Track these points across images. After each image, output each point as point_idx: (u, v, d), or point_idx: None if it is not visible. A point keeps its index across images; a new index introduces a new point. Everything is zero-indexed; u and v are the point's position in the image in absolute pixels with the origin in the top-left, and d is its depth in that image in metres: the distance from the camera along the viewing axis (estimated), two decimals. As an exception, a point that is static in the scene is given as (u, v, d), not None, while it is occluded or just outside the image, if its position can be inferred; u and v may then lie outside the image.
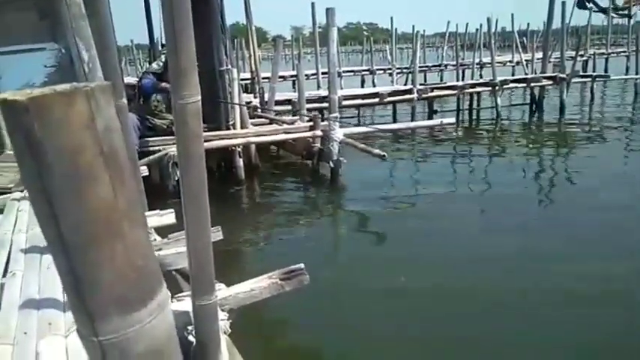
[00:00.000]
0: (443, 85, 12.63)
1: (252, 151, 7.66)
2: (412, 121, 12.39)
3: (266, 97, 10.31)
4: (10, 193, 4.07)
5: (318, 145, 7.40)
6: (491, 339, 3.33)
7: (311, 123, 7.55)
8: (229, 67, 7.14)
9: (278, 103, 10.55)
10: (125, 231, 0.54)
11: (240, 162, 7.07)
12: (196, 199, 1.78)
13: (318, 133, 7.09)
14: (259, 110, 10.14)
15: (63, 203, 0.50)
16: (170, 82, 1.70)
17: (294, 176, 7.75)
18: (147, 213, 3.37)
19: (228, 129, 7.29)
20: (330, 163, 6.91)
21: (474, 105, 14.06)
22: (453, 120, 7.94)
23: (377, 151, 6.13)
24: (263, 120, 9.33)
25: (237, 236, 5.41)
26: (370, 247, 5.08)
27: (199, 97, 1.70)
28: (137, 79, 7.23)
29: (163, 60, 6.86)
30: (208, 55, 7.08)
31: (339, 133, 6.83)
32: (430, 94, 11.95)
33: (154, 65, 7.17)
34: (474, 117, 13.81)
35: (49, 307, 2.05)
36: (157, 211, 3.44)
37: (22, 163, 0.50)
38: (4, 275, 2.43)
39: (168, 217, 3.41)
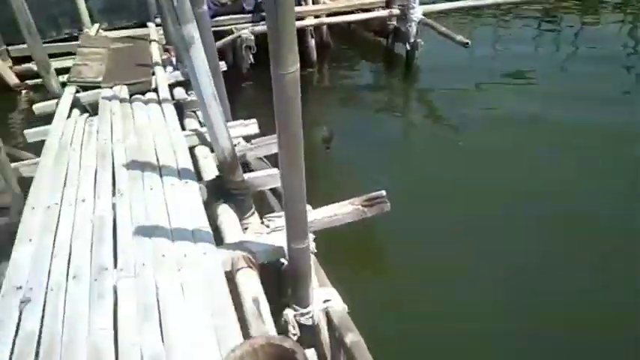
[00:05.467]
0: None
1: (324, 28, 7.31)
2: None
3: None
4: (99, 87, 4.22)
5: (394, 22, 6.93)
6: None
7: (388, -4, 6.99)
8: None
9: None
10: None
11: (312, 42, 6.83)
12: (293, 166, 1.83)
13: (395, 11, 6.59)
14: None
15: None
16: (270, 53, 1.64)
17: (367, 56, 7.43)
18: (232, 123, 3.46)
19: (300, 4, 6.92)
20: (407, 45, 6.53)
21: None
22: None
23: (460, 37, 5.67)
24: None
25: (308, 126, 5.47)
26: (443, 140, 5.01)
27: (298, 66, 1.65)
28: None
29: None
30: None
31: (418, 12, 6.33)
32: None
33: None
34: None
35: (159, 235, 2.27)
36: (241, 121, 3.52)
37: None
38: (114, 193, 2.65)
39: (252, 127, 3.49)
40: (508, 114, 5.30)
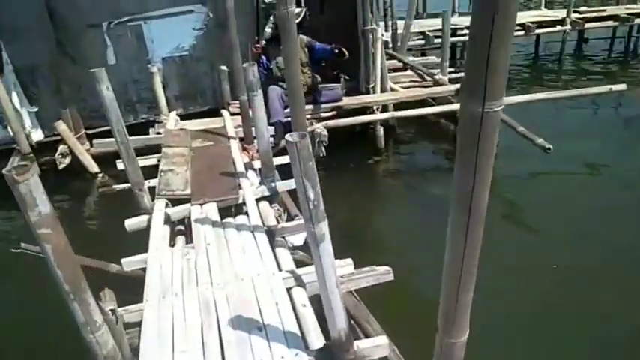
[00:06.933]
0: (602, 14, 10.78)
1: (390, 109, 7.31)
2: (560, 54, 11.10)
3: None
4: (189, 202, 4.28)
5: (463, 111, 6.88)
6: None
7: (457, 85, 6.98)
8: (374, 26, 6.62)
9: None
10: None
11: (381, 131, 6.83)
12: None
13: (468, 105, 6.55)
14: (390, 48, 9.56)
15: None
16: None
17: (435, 143, 7.34)
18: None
19: (368, 91, 6.98)
20: (478, 137, 6.44)
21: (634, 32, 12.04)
22: (623, 87, 6.84)
23: (540, 141, 5.52)
24: (395, 63, 8.81)
25: (377, 222, 5.39)
26: (516, 249, 4.82)
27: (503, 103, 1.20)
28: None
29: (273, 20, 6.34)
30: (352, 13, 6.62)
31: (491, 106, 6.24)
32: (586, 27, 10.41)
33: (267, 30, 6.43)
34: (632, 47, 11.95)
35: None
36: (338, 262, 3.47)
37: None
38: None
39: (347, 268, 3.43)
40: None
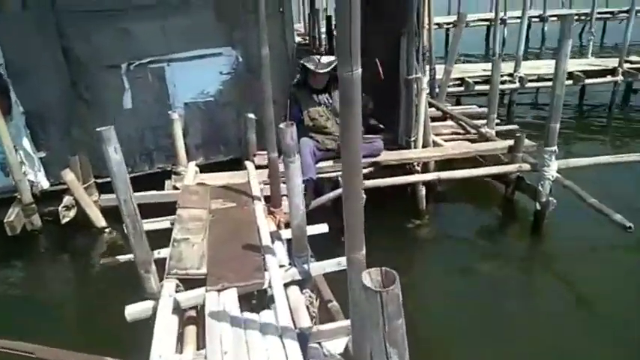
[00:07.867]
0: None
1: (432, 166, 6.56)
2: (610, 105, 10.37)
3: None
4: (203, 284, 3.54)
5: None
6: None
7: (510, 142, 6.23)
8: (419, 74, 5.97)
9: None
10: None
11: (423, 190, 6.08)
12: None
13: (525, 167, 5.79)
14: (427, 95, 8.89)
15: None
16: None
17: (482, 205, 6.53)
18: None
19: (408, 145, 6.26)
20: (537, 204, 5.63)
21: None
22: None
23: (618, 217, 4.69)
24: (434, 111, 8.12)
25: (422, 303, 4.58)
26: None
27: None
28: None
29: (300, 64, 5.77)
30: (395, 59, 5.98)
31: (553, 169, 5.46)
32: (640, 78, 9.67)
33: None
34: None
35: None
36: None
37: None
38: None
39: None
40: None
